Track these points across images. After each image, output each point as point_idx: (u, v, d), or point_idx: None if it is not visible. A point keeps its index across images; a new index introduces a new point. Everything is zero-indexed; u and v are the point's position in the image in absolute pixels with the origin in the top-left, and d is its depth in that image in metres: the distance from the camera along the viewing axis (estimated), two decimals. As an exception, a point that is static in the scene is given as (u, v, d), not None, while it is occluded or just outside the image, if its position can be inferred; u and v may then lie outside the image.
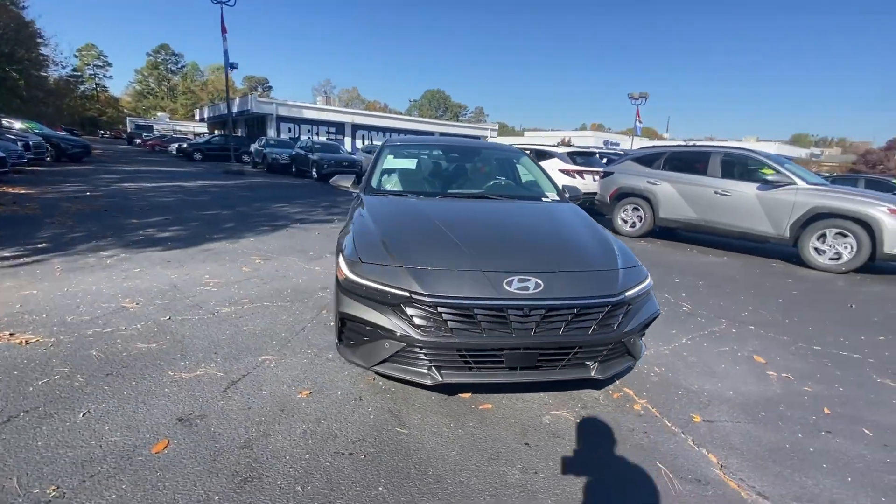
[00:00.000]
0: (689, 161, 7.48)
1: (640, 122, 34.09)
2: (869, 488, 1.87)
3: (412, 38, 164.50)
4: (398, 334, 2.05)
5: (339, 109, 32.38)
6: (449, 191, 3.52)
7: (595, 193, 8.92)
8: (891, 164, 30.72)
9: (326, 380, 2.51)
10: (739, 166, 6.98)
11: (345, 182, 3.51)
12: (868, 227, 5.64)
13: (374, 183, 3.40)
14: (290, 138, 26.73)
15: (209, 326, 3.12)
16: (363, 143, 29.78)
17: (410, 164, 3.88)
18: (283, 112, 28.15)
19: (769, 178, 6.45)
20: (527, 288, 2.07)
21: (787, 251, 6.59)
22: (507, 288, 2.06)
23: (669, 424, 2.25)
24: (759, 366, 2.97)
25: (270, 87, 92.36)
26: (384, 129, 32.16)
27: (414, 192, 3.31)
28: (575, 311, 2.09)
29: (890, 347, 3.42)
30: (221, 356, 2.71)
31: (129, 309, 3.36)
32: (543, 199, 3.43)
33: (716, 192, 6.87)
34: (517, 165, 4.03)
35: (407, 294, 2.05)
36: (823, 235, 5.97)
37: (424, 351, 2.07)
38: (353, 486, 1.73)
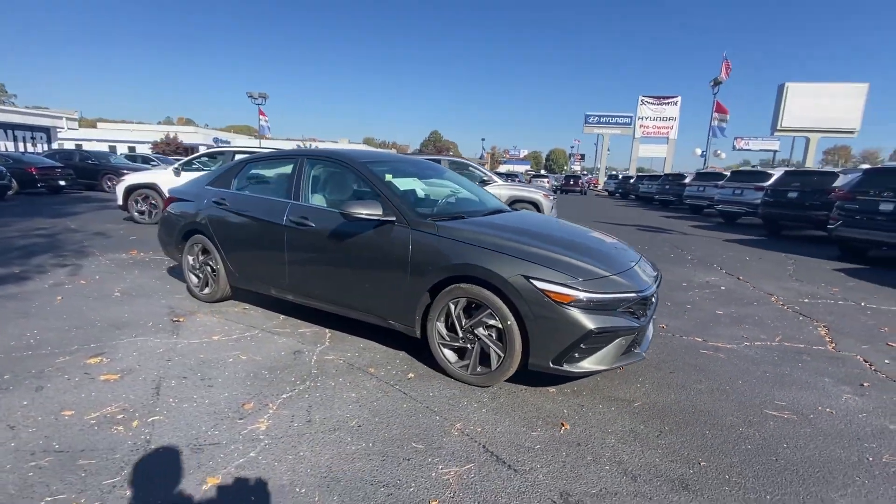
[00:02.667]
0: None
1: (266, 122, 34.58)
2: (750, 322, 4.04)
3: None
4: (635, 328, 2.51)
5: None
6: (480, 209, 3.57)
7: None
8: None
9: (551, 408, 2.48)
10: (460, 171, 9.41)
11: (372, 210, 2.86)
12: (536, 205, 9.23)
13: (418, 209, 3.04)
14: None
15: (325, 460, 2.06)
16: None
17: (414, 183, 3.47)
18: None
19: (484, 178, 9.17)
20: (649, 273, 2.98)
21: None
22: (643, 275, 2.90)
23: (660, 331, 3.77)
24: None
25: None
26: None
27: (463, 213, 3.26)
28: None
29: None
30: (441, 454, 2.04)
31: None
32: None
33: (452, 190, 9.03)
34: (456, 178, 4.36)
35: (634, 294, 2.53)
36: (518, 214, 9.25)
37: (637, 335, 2.63)
38: (720, 444, 2.23)
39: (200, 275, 4.13)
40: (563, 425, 2.33)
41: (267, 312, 3.90)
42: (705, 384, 2.86)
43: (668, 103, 30.20)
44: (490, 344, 2.62)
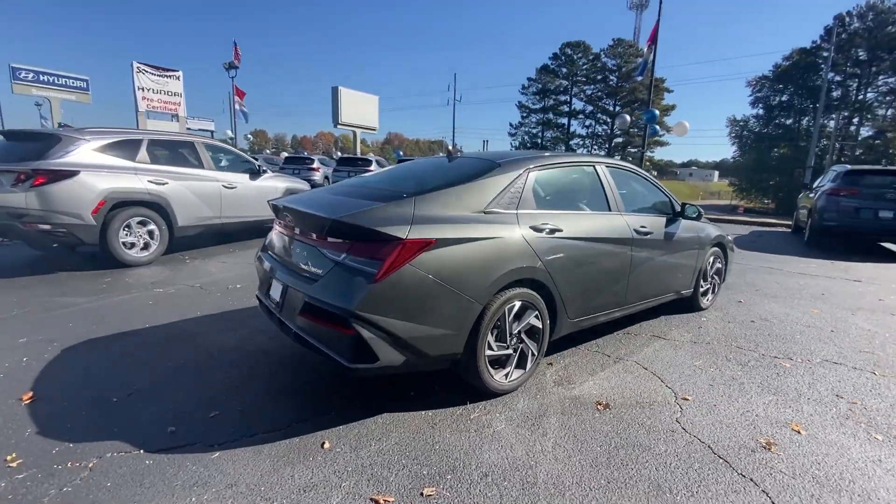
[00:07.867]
0: (175, 149, 5.98)
1: None
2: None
3: None
4: None
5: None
6: None
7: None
8: None
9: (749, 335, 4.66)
10: (227, 157, 6.74)
11: (695, 208, 3.60)
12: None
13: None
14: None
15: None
16: None
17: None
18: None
19: (255, 168, 7.09)
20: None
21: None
22: None
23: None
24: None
25: None
26: None
27: None
28: None
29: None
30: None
31: None
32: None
33: (224, 186, 6.51)
34: None
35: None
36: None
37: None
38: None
39: (513, 352, 2.54)
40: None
41: (572, 353, 3.17)
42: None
43: (171, 77, 27.84)
44: (717, 280, 4.43)
